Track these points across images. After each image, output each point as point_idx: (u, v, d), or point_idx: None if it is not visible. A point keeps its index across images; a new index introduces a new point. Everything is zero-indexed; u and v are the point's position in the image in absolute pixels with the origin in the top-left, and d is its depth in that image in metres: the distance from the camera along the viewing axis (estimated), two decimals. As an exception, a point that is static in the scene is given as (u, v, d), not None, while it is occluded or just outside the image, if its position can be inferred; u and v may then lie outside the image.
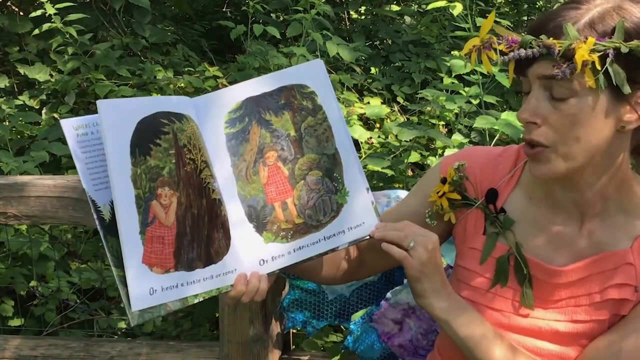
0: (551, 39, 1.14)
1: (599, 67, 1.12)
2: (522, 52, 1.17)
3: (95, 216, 1.19)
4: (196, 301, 1.21)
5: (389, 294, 1.69)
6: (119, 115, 1.19)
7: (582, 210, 1.29)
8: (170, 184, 1.21)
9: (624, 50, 1.11)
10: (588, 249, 1.29)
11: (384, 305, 1.70)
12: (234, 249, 1.26)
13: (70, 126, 1.22)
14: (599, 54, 1.12)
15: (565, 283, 1.30)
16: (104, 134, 1.17)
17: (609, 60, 1.12)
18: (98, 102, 1.19)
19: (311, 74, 1.33)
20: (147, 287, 1.17)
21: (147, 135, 1.20)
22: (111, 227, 1.18)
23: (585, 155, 1.19)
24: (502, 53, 1.20)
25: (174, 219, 1.21)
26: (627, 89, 1.13)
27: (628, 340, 1.24)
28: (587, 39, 1.12)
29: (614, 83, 1.13)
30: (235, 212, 1.27)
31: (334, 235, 1.30)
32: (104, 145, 1.17)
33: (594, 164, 1.22)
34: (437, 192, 1.38)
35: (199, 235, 1.22)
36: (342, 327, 1.84)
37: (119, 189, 1.17)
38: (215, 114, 1.29)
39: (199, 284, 1.21)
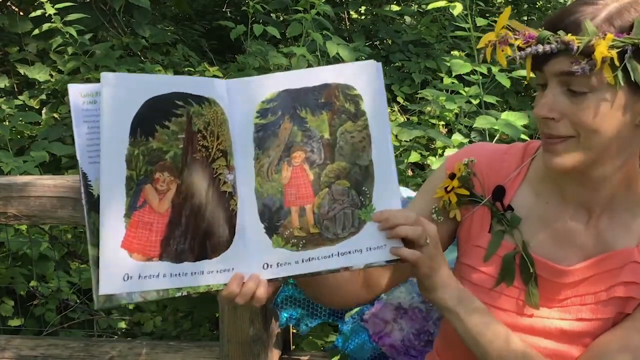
0: (569, 34, 1.14)
1: (617, 64, 1.13)
2: (540, 47, 1.16)
3: (82, 189, 1.14)
4: (179, 294, 1.14)
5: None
6: (124, 91, 1.12)
7: (590, 207, 1.29)
8: (171, 170, 1.14)
9: None
10: (594, 248, 1.29)
11: (376, 305, 1.69)
12: (237, 247, 1.19)
13: (77, 92, 1.14)
14: (618, 50, 1.12)
15: (571, 282, 1.30)
16: (102, 108, 1.11)
17: (627, 56, 1.13)
18: (102, 74, 1.12)
19: (361, 75, 1.22)
20: (121, 273, 1.10)
21: (154, 116, 1.13)
22: (97, 204, 1.12)
23: (602, 148, 1.20)
24: (519, 48, 1.20)
25: (169, 206, 1.14)
26: None
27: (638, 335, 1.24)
28: (605, 35, 1.13)
29: (632, 79, 1.14)
30: (247, 209, 1.20)
31: (349, 253, 1.20)
32: (100, 118, 1.11)
33: (608, 158, 1.22)
34: (446, 187, 1.36)
35: (196, 228, 1.16)
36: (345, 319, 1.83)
37: (108, 167, 1.11)
38: (248, 100, 1.21)
39: (184, 277, 1.14)
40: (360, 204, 1.20)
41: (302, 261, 1.19)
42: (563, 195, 1.31)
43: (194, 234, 1.15)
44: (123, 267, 1.10)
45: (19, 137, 3.45)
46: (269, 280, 1.19)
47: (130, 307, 3.13)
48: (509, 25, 1.23)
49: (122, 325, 3.08)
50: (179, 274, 1.14)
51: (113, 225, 1.11)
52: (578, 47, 1.13)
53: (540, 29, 1.19)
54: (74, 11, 3.40)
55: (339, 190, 1.20)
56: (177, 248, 1.14)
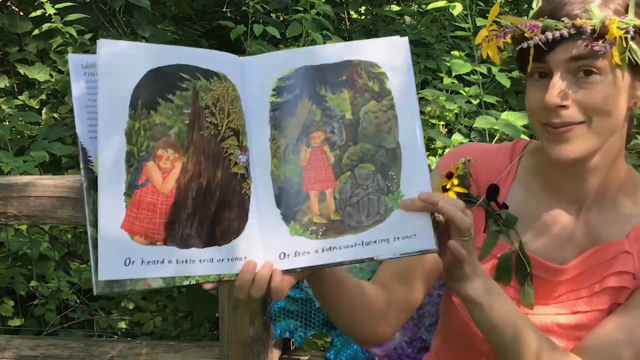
0: (578, 19, 1.16)
1: (624, 45, 1.15)
2: (549, 35, 1.17)
3: (81, 165, 1.04)
4: (186, 283, 1.06)
5: None
6: (123, 60, 1.04)
7: (581, 200, 1.30)
8: (176, 147, 1.06)
9: None
10: (586, 241, 1.30)
11: None
12: (250, 234, 1.09)
13: (78, 64, 1.06)
14: (622, 31, 1.15)
15: (567, 279, 1.30)
16: (98, 77, 1.03)
17: (629, 36, 1.16)
18: (99, 40, 1.04)
19: (387, 52, 1.13)
20: (122, 257, 1.01)
21: (156, 87, 1.06)
22: (97, 182, 1.04)
23: (610, 132, 1.22)
24: (524, 39, 1.20)
25: (174, 186, 1.05)
26: None
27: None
28: (610, 17, 1.16)
29: (634, 59, 1.17)
30: (263, 193, 1.11)
31: (375, 242, 1.10)
32: (97, 90, 1.03)
33: (606, 145, 1.24)
34: (444, 186, 1.35)
35: (204, 211, 1.07)
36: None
37: (106, 141, 1.02)
38: (263, 77, 1.13)
39: (192, 265, 1.05)
40: (386, 189, 1.11)
41: (322, 250, 1.10)
42: (554, 191, 1.32)
43: (202, 218, 1.07)
44: (124, 251, 1.02)
45: (19, 137, 3.45)
46: (286, 272, 1.09)
47: (130, 307, 3.13)
48: (497, 21, 1.24)
49: (122, 325, 3.08)
50: (186, 261, 1.05)
51: (112, 204, 1.02)
52: (593, 28, 1.15)
53: (542, 19, 1.19)
54: (74, 11, 3.40)
55: (362, 174, 1.11)
56: (183, 232, 1.06)
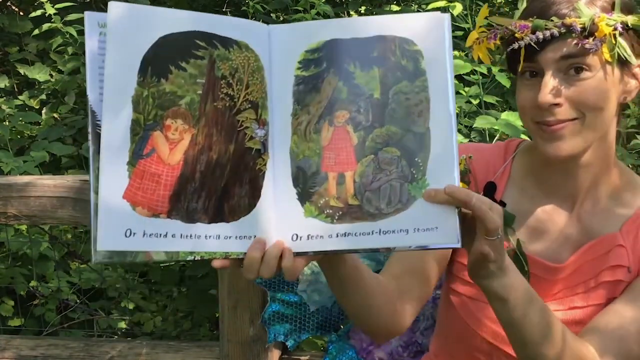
0: (567, 18, 1.18)
1: (613, 41, 1.18)
2: (540, 34, 1.18)
3: (90, 129, 0.99)
4: (190, 258, 1.02)
5: None
6: (134, 23, 1.00)
7: (574, 196, 1.31)
8: (186, 118, 1.02)
9: (630, 23, 1.18)
10: (581, 237, 1.31)
11: None
12: (261, 212, 1.05)
13: (94, 22, 1.01)
14: (611, 28, 1.17)
15: (564, 277, 1.31)
16: (107, 39, 0.98)
17: (617, 32, 1.18)
18: (110, 2, 1.00)
19: (424, 29, 1.05)
20: (123, 227, 0.98)
21: (169, 54, 1.01)
22: None
23: (604, 127, 1.24)
24: (514, 39, 1.21)
25: (181, 158, 1.02)
26: (634, 60, 1.21)
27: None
28: (598, 15, 1.18)
29: (622, 55, 1.19)
30: (280, 170, 1.05)
31: (393, 232, 1.03)
32: (105, 52, 0.99)
33: (598, 141, 1.25)
34: None
35: (212, 185, 1.03)
36: (340, 326, 1.83)
37: (111, 106, 0.98)
38: (290, 48, 1.06)
39: (197, 240, 1.01)
40: (411, 176, 1.04)
41: (337, 236, 1.04)
42: (547, 188, 1.33)
43: (210, 193, 1.03)
44: (124, 221, 0.98)
45: (19, 137, 3.45)
46: (297, 254, 1.04)
47: (130, 307, 3.13)
48: (489, 22, 1.25)
49: (122, 325, 3.08)
50: (191, 236, 1.01)
51: (114, 173, 0.98)
52: (582, 27, 1.17)
53: (531, 19, 1.20)
54: (74, 11, 3.40)
55: (386, 158, 1.04)
56: (188, 206, 1.02)
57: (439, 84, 1.05)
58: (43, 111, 3.63)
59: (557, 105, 1.20)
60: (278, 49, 1.07)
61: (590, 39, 1.17)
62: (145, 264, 3.13)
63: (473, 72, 2.94)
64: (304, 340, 1.83)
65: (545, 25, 1.18)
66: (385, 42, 1.06)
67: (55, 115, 3.58)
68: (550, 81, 1.19)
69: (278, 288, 1.76)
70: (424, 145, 1.04)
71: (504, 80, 2.86)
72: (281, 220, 1.05)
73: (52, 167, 3.34)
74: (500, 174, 1.36)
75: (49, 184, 1.94)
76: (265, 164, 1.06)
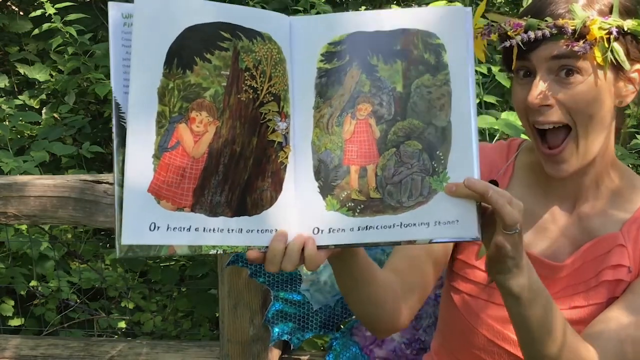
0: (560, 19, 1.17)
1: (606, 45, 1.17)
2: (531, 34, 1.18)
3: (114, 121, 0.98)
4: (213, 252, 1.01)
5: None
6: (162, 13, 0.99)
7: (576, 196, 1.32)
8: (211, 110, 1.01)
9: (626, 28, 1.17)
10: (581, 237, 1.31)
11: None
12: (282, 206, 1.05)
13: (118, 12, 0.99)
14: (605, 31, 1.16)
15: (564, 276, 1.31)
16: (134, 30, 0.97)
17: (612, 37, 1.17)
18: None
19: (447, 22, 1.05)
20: (147, 221, 0.97)
21: (194, 46, 1.00)
22: None
23: (596, 133, 1.22)
24: (507, 37, 1.21)
25: (206, 151, 1.01)
26: (627, 65, 1.19)
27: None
28: (592, 18, 1.17)
29: (616, 60, 1.18)
30: (301, 163, 1.06)
31: (414, 225, 1.04)
32: (132, 43, 0.97)
33: (597, 143, 1.25)
34: None
35: (235, 178, 1.02)
36: (341, 326, 1.83)
37: (137, 98, 0.97)
38: (312, 40, 1.06)
39: (220, 234, 1.01)
40: (432, 170, 1.05)
41: (359, 229, 1.04)
42: (548, 187, 1.33)
43: (233, 186, 1.02)
44: (150, 215, 0.98)
45: (19, 137, 3.45)
46: (319, 248, 1.05)
47: (130, 306, 3.13)
48: (488, 19, 1.25)
49: (122, 325, 3.08)
50: (214, 230, 1.01)
51: (140, 166, 0.97)
52: (574, 29, 1.16)
53: (525, 18, 1.21)
54: (73, 11, 3.40)
55: (408, 152, 1.05)
56: (212, 199, 1.01)
57: (460, 78, 1.05)
58: (43, 111, 3.62)
59: (548, 106, 1.20)
60: (300, 41, 1.06)
61: (581, 42, 1.16)
62: (146, 264, 3.14)
63: (473, 72, 2.94)
64: (303, 341, 1.83)
65: (538, 25, 1.18)
66: (408, 35, 1.06)
67: (55, 115, 3.58)
68: (540, 82, 1.20)
69: (281, 287, 1.77)
70: (446, 139, 1.05)
71: (504, 80, 2.86)
72: (303, 214, 1.05)
73: (52, 167, 3.34)
74: (503, 172, 1.37)
75: (49, 184, 1.94)
76: (287, 157, 1.06)
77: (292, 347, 1.92)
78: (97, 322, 3.04)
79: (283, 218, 1.05)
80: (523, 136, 2.57)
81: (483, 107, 2.86)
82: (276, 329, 1.78)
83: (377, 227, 1.04)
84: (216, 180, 1.02)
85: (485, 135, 2.78)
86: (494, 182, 1.35)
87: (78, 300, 3.10)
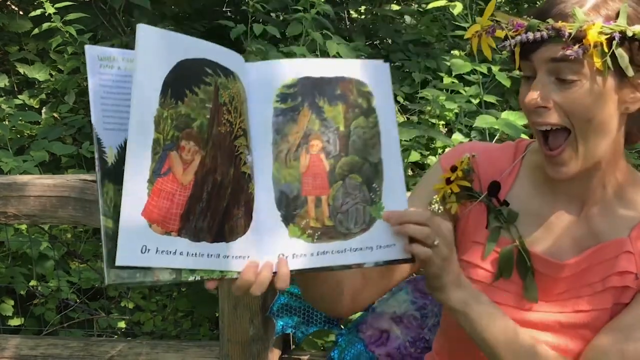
0: (560, 22, 1.16)
1: (606, 50, 1.15)
2: (530, 35, 1.18)
3: (96, 155, 1.03)
4: (191, 279, 1.07)
5: (375, 303, 1.68)
6: (161, 47, 1.06)
7: (583, 199, 1.31)
8: (197, 140, 1.07)
9: (630, 33, 1.15)
10: (588, 240, 1.31)
11: (371, 314, 1.69)
12: (253, 234, 1.13)
13: (95, 55, 1.06)
14: (606, 37, 1.15)
15: (568, 276, 1.30)
16: (136, 62, 1.03)
17: (614, 43, 1.15)
18: (138, 25, 1.04)
19: (373, 74, 1.22)
20: (140, 243, 1.02)
21: (185, 79, 1.07)
22: (111, 173, 1.03)
23: (596, 138, 1.22)
24: (507, 37, 1.21)
25: (192, 179, 1.07)
26: (630, 72, 1.17)
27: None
28: (593, 22, 1.16)
29: (619, 66, 1.16)
30: (264, 194, 1.15)
31: (361, 249, 1.18)
32: (133, 74, 1.04)
33: (600, 148, 1.24)
34: (448, 178, 1.36)
35: (216, 206, 1.09)
36: (341, 326, 1.84)
37: (137, 126, 1.03)
38: (268, 82, 1.18)
39: (201, 259, 1.07)
40: (371, 200, 1.19)
41: (317, 254, 1.16)
42: (556, 189, 1.33)
43: (214, 213, 1.09)
44: (142, 238, 1.03)
45: (18, 136, 3.45)
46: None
47: (130, 306, 3.13)
48: (494, 18, 1.25)
49: (122, 325, 3.08)
50: (196, 254, 1.07)
51: (136, 191, 1.03)
52: (570, 33, 1.15)
53: (528, 18, 1.21)
54: (73, 10, 3.40)
55: (352, 184, 1.19)
56: (196, 225, 1.07)
57: (386, 121, 1.21)
58: (43, 110, 3.63)
59: (545, 108, 1.20)
60: (258, 83, 1.18)
61: (576, 46, 1.16)
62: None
63: (473, 71, 2.94)
64: (308, 335, 1.84)
65: (538, 26, 1.18)
66: (345, 82, 1.20)
67: (55, 114, 3.58)
68: (538, 83, 1.20)
69: (288, 281, 1.78)
70: (379, 173, 1.20)
71: (504, 79, 2.87)
72: (269, 241, 1.15)
73: (52, 166, 3.34)
74: (508, 173, 1.37)
75: (49, 184, 1.94)
76: (254, 188, 1.15)
77: (292, 347, 1.93)
78: (97, 322, 3.04)
79: (254, 245, 1.13)
80: (523, 136, 2.57)
81: (483, 107, 2.86)
82: (280, 322, 1.78)
83: (332, 252, 1.16)
84: (200, 207, 1.08)
85: (485, 134, 2.78)
86: (495, 184, 1.35)
87: (78, 300, 3.10)
